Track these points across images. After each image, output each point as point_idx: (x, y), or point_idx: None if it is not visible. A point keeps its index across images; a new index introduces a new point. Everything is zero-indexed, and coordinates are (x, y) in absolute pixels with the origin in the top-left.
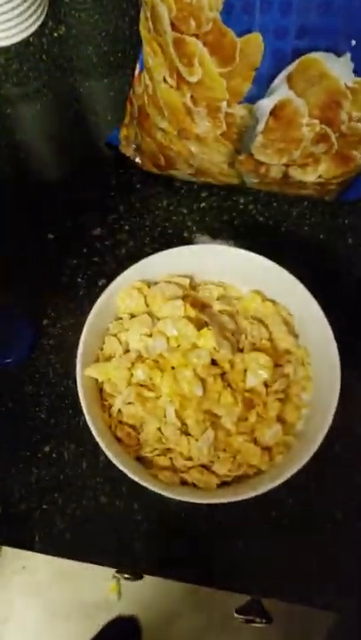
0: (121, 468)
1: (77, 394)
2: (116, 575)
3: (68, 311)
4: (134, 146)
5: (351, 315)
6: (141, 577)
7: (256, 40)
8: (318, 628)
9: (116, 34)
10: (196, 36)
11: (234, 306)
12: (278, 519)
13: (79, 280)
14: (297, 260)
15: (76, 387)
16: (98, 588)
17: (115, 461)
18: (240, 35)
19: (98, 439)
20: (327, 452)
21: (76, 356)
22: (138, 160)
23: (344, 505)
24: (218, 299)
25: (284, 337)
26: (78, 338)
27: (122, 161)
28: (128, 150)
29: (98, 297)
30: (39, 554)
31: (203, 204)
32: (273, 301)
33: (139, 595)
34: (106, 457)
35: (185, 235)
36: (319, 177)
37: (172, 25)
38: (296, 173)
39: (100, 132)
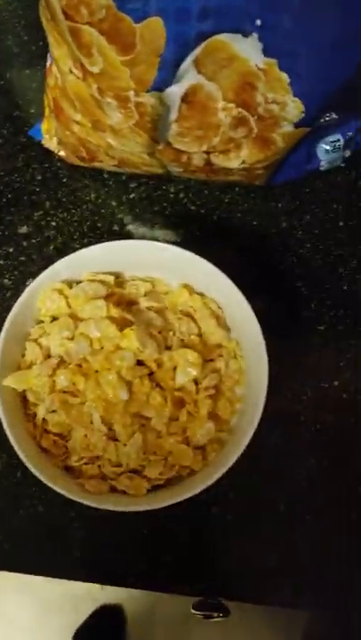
0: (44, 480)
1: None
2: None
3: None
4: (56, 139)
5: (289, 299)
6: (229, 612)
7: (157, 25)
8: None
9: (36, 22)
10: (90, 24)
11: (162, 301)
12: (221, 516)
13: (6, 281)
14: (231, 247)
15: None
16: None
17: (37, 474)
18: (138, 20)
19: (18, 451)
20: (265, 442)
21: None
22: (62, 153)
23: (286, 495)
24: (145, 295)
25: (213, 331)
26: None
27: (46, 155)
28: (51, 144)
29: None
30: None
31: (132, 195)
32: (202, 295)
33: None
34: None
35: (115, 228)
36: (243, 162)
37: (65, 14)
38: (218, 160)
39: (23, 126)
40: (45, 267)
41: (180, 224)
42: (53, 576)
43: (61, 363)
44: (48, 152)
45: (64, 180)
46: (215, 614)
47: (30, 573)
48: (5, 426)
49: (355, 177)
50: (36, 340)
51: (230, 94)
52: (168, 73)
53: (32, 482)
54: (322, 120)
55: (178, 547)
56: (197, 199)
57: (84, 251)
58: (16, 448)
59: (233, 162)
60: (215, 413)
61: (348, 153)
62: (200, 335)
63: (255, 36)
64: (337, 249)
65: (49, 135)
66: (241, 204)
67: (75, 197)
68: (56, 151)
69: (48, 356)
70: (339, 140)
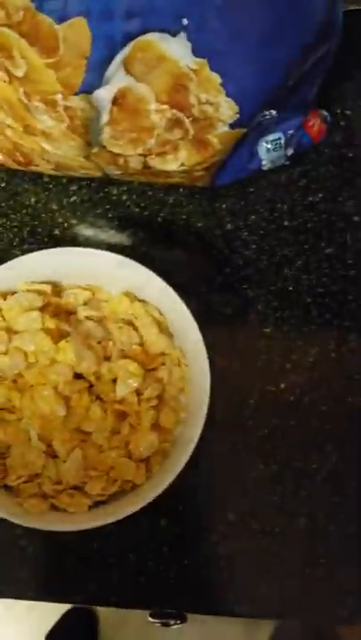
0: None
1: None
2: None
3: None
4: None
5: (234, 301)
6: (185, 620)
7: (80, 26)
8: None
9: None
10: (9, 26)
11: (102, 310)
12: (169, 528)
13: None
14: (177, 249)
15: None
16: None
17: None
18: (60, 21)
19: None
20: (212, 450)
21: None
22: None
23: (234, 504)
24: (84, 304)
25: (155, 339)
26: None
27: None
28: None
29: None
30: None
31: (74, 198)
32: (143, 302)
33: None
34: None
35: (56, 232)
36: (182, 165)
37: None
38: (156, 163)
39: None
40: None
41: (124, 226)
42: (2, 596)
43: None
44: None
45: (2, 185)
46: (172, 622)
47: None
48: None
49: (297, 175)
50: None
51: (163, 96)
52: (96, 75)
53: None
54: (261, 118)
55: (126, 561)
56: (141, 201)
57: (19, 259)
58: None
59: (171, 164)
60: (158, 424)
61: (290, 151)
62: (142, 344)
63: (183, 35)
64: (282, 249)
65: None
66: (185, 206)
67: (14, 202)
68: None
69: None
70: (280, 139)
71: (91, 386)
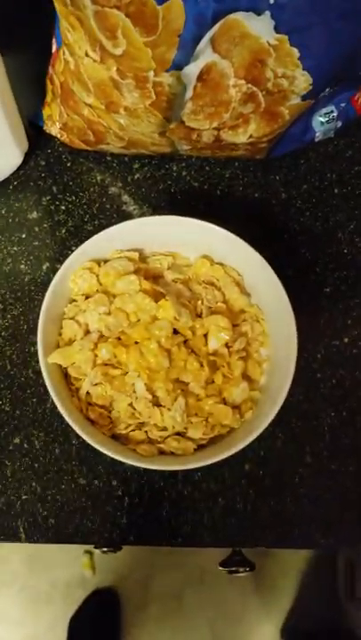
0: (99, 448)
1: (39, 383)
2: (89, 550)
3: (16, 299)
4: (59, 124)
5: (295, 265)
6: (120, 548)
7: (177, 6)
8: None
9: (31, 4)
10: (118, 7)
11: (185, 273)
12: (253, 472)
13: (22, 267)
14: (235, 219)
15: (37, 376)
16: (71, 567)
17: (92, 443)
18: (161, 2)
19: (72, 424)
20: (288, 401)
21: (32, 345)
22: (65, 138)
23: (311, 448)
24: (169, 268)
25: (237, 297)
26: (30, 326)
27: (48, 140)
28: (53, 129)
29: (45, 281)
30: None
31: (137, 176)
32: (221, 264)
33: (112, 565)
34: (78, 440)
35: (124, 208)
36: (250, 137)
37: None
38: (227, 136)
39: (22, 113)
40: (60, 250)
41: (184, 201)
42: (103, 544)
43: (101, 337)
44: (50, 137)
45: (68, 165)
46: (241, 569)
47: (80, 543)
48: (56, 400)
49: (343, 147)
50: (72, 318)
51: (241, 71)
52: (186, 52)
53: (71, 457)
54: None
55: (216, 505)
56: (200, 175)
57: (107, 231)
58: (69, 421)
59: (241, 137)
60: (246, 374)
61: (339, 124)
62: (225, 302)
63: (268, 14)
64: (335, 215)
65: (51, 121)
66: (241, 179)
67: (81, 180)
68: (58, 136)
69: (87, 332)
70: (333, 112)
71: (186, 341)
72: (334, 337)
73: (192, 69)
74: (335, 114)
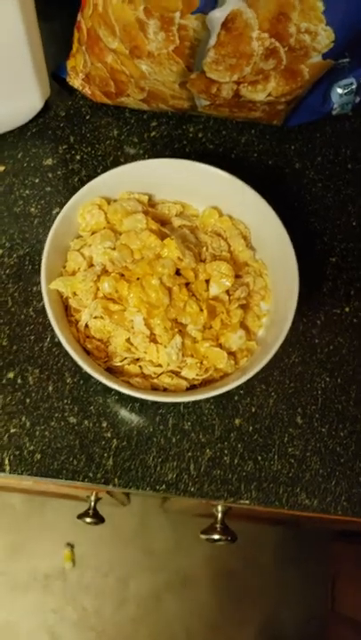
0: (96, 376)
1: (39, 321)
2: (70, 543)
3: (23, 240)
4: (82, 76)
5: (303, 233)
6: (103, 520)
7: None
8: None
9: None
10: None
11: (192, 222)
12: (243, 427)
13: (32, 210)
14: (249, 185)
15: (37, 314)
16: (52, 558)
17: (86, 368)
18: None
19: (68, 349)
20: (283, 362)
21: (35, 285)
22: (87, 90)
23: (303, 409)
24: (177, 215)
25: (242, 250)
26: (35, 267)
27: (70, 93)
28: (76, 81)
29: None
30: None
31: (153, 134)
32: (230, 216)
33: (93, 560)
34: (72, 379)
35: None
36: (269, 95)
37: None
38: (247, 91)
39: (46, 60)
40: (70, 197)
41: (198, 162)
42: (87, 483)
43: (104, 271)
44: (71, 90)
45: (87, 117)
46: (223, 538)
47: (64, 479)
48: (55, 328)
49: (359, 124)
50: (78, 250)
51: (265, 24)
52: None
53: (63, 395)
54: (338, 62)
55: (203, 455)
56: (215, 139)
57: (119, 168)
58: (68, 349)
59: (260, 94)
60: (244, 324)
61: (358, 99)
62: (230, 252)
63: None
64: (346, 188)
65: (74, 73)
66: (257, 145)
67: (98, 133)
68: (80, 89)
69: (91, 265)
70: (352, 84)
71: (187, 284)
72: (335, 305)
73: (217, 15)
74: (354, 86)
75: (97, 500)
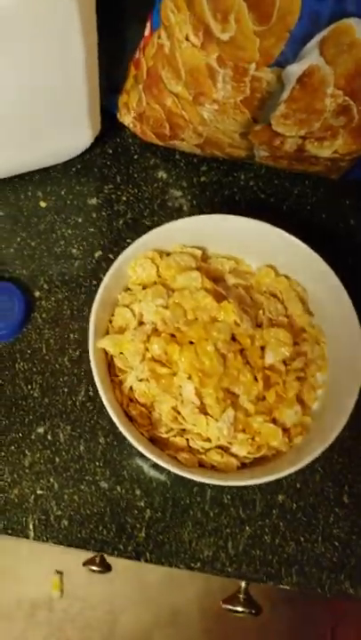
0: (141, 449)
1: (73, 372)
2: (60, 571)
3: (63, 283)
4: (135, 114)
5: (357, 294)
6: (110, 569)
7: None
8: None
9: None
10: None
11: (247, 280)
12: (286, 504)
13: (74, 251)
14: (300, 239)
15: (72, 364)
16: (40, 585)
17: (135, 443)
18: None
19: (114, 418)
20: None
21: (72, 332)
22: (137, 129)
23: (351, 488)
24: (230, 272)
25: (300, 314)
26: (74, 312)
27: (119, 129)
28: (127, 118)
29: (95, 269)
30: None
31: (203, 179)
32: (287, 277)
33: (81, 591)
34: (106, 439)
35: (185, 209)
36: (335, 152)
37: None
38: (312, 147)
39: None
40: (114, 240)
41: (248, 211)
42: (116, 556)
43: (154, 331)
44: (120, 127)
45: (135, 157)
46: (246, 611)
47: (91, 550)
48: (101, 391)
49: None
50: (127, 306)
51: (341, 81)
52: (293, 50)
53: (95, 456)
54: None
55: (242, 533)
56: (267, 188)
57: (174, 223)
58: (111, 413)
59: (325, 150)
60: (300, 397)
61: None
62: (287, 317)
63: None
64: None
65: (126, 109)
66: (310, 197)
67: (146, 175)
68: (130, 126)
69: (141, 323)
70: None
71: (242, 350)
72: None
73: (294, 69)
74: None
75: None
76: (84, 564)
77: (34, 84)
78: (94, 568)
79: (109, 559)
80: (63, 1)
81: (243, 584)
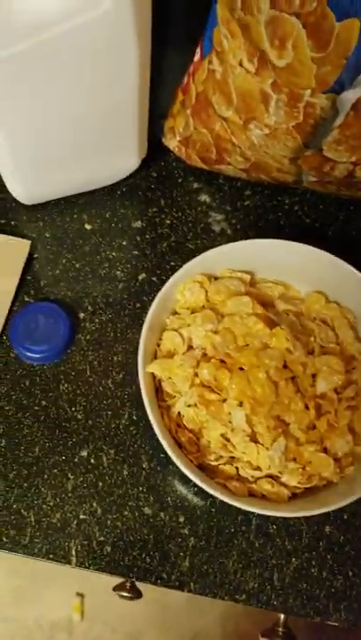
0: (193, 477)
1: (117, 395)
2: (81, 593)
3: (107, 305)
4: (180, 138)
5: None
6: (141, 596)
7: (353, 26)
8: None
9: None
10: (298, 15)
11: (297, 306)
12: (334, 536)
13: (118, 273)
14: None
15: (115, 387)
16: (61, 607)
17: (186, 470)
18: (339, 19)
19: (164, 444)
20: None
21: (115, 354)
22: (182, 153)
23: None
24: (279, 298)
25: (351, 342)
26: (117, 334)
27: (163, 153)
28: (172, 142)
29: (138, 291)
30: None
31: (246, 203)
32: (337, 303)
33: (102, 614)
34: (149, 464)
35: (229, 232)
36: None
37: (273, 1)
38: None
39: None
40: (158, 263)
41: (293, 235)
42: (160, 585)
43: (204, 356)
44: (165, 151)
45: (179, 181)
46: None
47: (133, 579)
48: (149, 414)
49: None
50: (176, 330)
51: None
52: (349, 77)
53: (139, 482)
54: None
55: (288, 565)
56: (312, 213)
57: (223, 247)
58: (161, 439)
59: None
60: (351, 426)
61: None
62: (338, 344)
63: None
64: None
65: (171, 134)
66: (356, 223)
67: (189, 198)
68: (175, 150)
69: (190, 348)
70: None
71: (293, 378)
72: None
73: (349, 96)
74: None
75: None
76: (114, 589)
77: (89, 111)
78: (125, 594)
79: (140, 585)
80: (123, 33)
81: (282, 617)
